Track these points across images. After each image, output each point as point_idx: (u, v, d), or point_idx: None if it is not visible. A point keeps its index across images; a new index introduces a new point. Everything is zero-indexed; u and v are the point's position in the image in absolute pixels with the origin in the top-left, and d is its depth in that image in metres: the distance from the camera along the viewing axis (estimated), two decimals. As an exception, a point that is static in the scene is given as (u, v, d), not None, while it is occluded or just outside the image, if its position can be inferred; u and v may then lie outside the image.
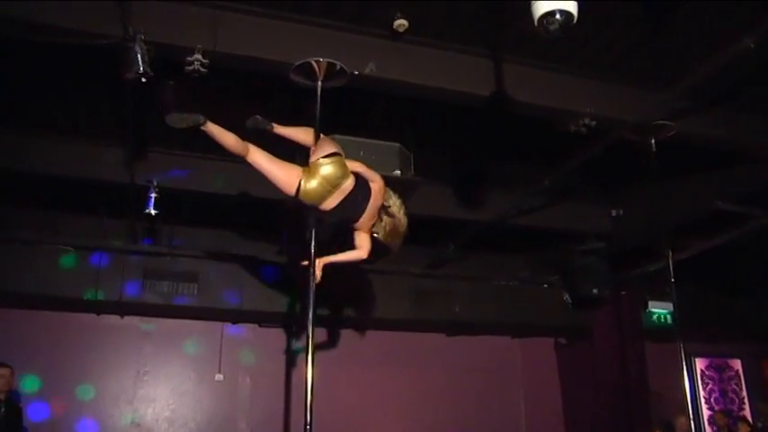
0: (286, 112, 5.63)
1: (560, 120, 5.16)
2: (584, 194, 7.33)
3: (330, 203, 3.78)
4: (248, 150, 3.73)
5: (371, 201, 3.87)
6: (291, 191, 3.71)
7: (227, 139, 3.74)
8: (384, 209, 3.94)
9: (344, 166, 3.83)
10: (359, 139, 5.05)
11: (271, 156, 3.81)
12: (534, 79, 5.03)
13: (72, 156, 6.08)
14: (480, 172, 6.94)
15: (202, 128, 3.65)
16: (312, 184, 3.71)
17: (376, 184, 3.92)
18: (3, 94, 5.40)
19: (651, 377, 8.69)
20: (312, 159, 3.84)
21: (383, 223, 3.93)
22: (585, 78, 5.17)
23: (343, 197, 3.79)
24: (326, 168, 3.78)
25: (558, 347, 9.66)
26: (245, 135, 3.89)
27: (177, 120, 3.62)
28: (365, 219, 3.88)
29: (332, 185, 3.76)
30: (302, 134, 4.06)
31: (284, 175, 3.74)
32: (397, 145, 5.62)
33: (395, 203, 4.00)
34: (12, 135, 5.92)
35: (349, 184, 3.81)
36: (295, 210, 3.93)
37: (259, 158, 3.73)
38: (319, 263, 3.86)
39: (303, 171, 3.78)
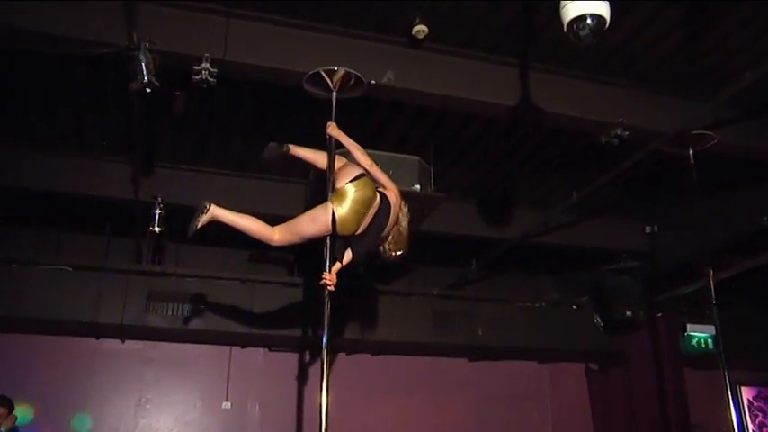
0: (300, 126, 5.71)
1: (591, 131, 5.13)
2: (617, 210, 7.28)
3: (364, 225, 3.80)
4: (274, 233, 3.74)
5: (392, 212, 3.89)
6: (328, 227, 3.70)
7: (246, 224, 3.74)
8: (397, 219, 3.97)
9: (372, 185, 3.85)
10: (376, 152, 5.01)
11: (293, 221, 3.82)
12: (563, 88, 5.02)
13: (74, 171, 6.15)
14: (505, 187, 6.92)
15: (207, 213, 3.70)
16: (344, 209, 3.71)
17: (392, 192, 3.96)
18: (1, 107, 5.47)
19: (692, 408, 8.51)
20: (339, 185, 3.85)
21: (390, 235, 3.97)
22: (618, 87, 5.15)
23: (373, 215, 3.82)
24: (356, 193, 3.79)
25: (588, 374, 9.53)
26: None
27: (193, 228, 3.74)
28: (387, 231, 3.91)
29: (365, 207, 3.78)
30: (320, 157, 4.07)
31: (314, 223, 3.73)
32: (417, 158, 5.64)
33: (404, 213, 4.05)
34: (10, 149, 6.00)
35: (377, 201, 3.85)
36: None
37: (288, 231, 3.75)
38: (333, 272, 3.86)
39: (332, 201, 3.77)
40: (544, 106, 4.85)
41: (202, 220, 3.69)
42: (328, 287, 3.75)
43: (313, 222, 3.73)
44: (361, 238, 3.86)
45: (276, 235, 3.71)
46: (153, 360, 8.05)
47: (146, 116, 4.90)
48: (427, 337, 8.11)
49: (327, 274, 3.74)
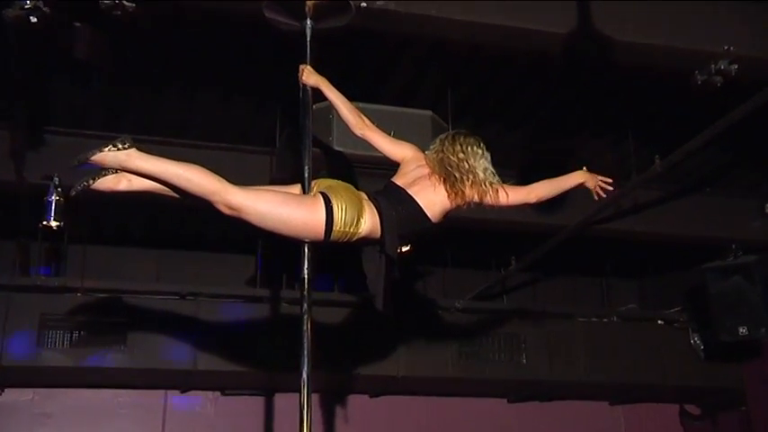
0: (262, 74, 5.73)
1: (681, 67, 5.15)
2: (722, 183, 7.34)
3: (371, 219, 3.67)
4: (231, 192, 3.41)
5: (418, 176, 3.84)
6: (320, 232, 3.54)
7: (186, 173, 3.39)
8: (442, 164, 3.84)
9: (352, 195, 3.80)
10: (372, 105, 5.06)
11: (267, 192, 3.64)
12: (639, 7, 5.01)
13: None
14: (558, 153, 6.94)
15: (123, 153, 3.35)
16: (340, 202, 3.62)
17: (406, 154, 3.95)
18: None
19: None
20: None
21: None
22: (723, 1, 5.14)
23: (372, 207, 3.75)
24: (330, 181, 3.77)
25: (685, 419, 9.62)
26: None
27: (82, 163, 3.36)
28: (438, 206, 3.82)
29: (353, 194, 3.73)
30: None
31: (301, 212, 3.54)
32: (429, 113, 5.70)
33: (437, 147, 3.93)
34: None
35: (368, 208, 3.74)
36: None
37: (256, 201, 3.48)
38: None
39: (321, 192, 3.63)
40: (612, 33, 4.84)
41: (108, 159, 3.35)
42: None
43: (301, 212, 3.59)
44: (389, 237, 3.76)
45: (235, 196, 3.42)
46: (50, 416, 8.10)
47: (31, 59, 4.90)
48: (449, 369, 8.19)
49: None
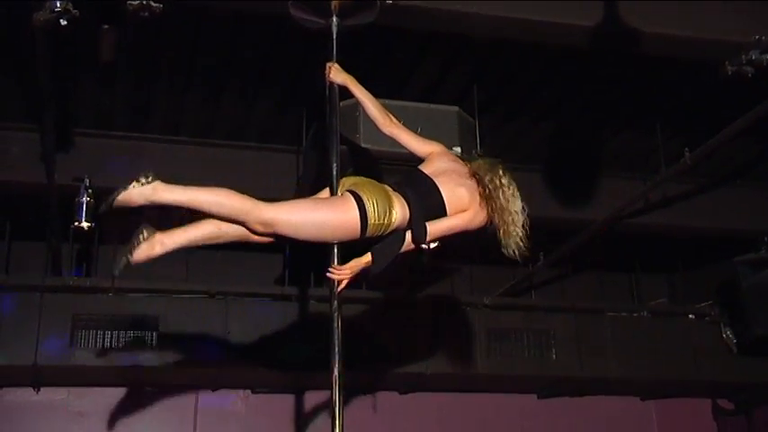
0: (286, 72, 5.73)
1: (710, 58, 5.10)
2: (753, 174, 7.27)
3: (401, 210, 3.70)
4: (263, 209, 3.45)
5: (454, 183, 3.83)
6: (356, 230, 3.57)
7: (216, 198, 3.44)
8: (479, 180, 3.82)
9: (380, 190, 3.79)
10: (398, 102, 5.04)
11: (306, 201, 3.72)
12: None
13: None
14: (585, 147, 6.91)
15: (147, 187, 3.40)
16: (370, 197, 3.62)
17: (434, 152, 3.92)
18: None
19: None
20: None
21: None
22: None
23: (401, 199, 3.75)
24: (353, 178, 3.77)
25: (719, 415, 9.53)
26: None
27: (111, 204, 3.44)
28: (456, 202, 3.79)
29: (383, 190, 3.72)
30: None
31: (335, 213, 3.57)
32: (456, 109, 5.66)
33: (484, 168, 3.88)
34: None
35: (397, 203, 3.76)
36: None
37: (285, 214, 3.51)
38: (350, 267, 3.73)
39: (348, 191, 3.66)
40: (639, 25, 4.81)
41: (134, 197, 3.40)
42: (336, 279, 3.70)
43: (336, 215, 3.57)
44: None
45: (267, 211, 3.46)
46: (83, 415, 8.13)
47: (59, 62, 4.92)
48: (478, 365, 8.16)
49: (337, 267, 3.70)
